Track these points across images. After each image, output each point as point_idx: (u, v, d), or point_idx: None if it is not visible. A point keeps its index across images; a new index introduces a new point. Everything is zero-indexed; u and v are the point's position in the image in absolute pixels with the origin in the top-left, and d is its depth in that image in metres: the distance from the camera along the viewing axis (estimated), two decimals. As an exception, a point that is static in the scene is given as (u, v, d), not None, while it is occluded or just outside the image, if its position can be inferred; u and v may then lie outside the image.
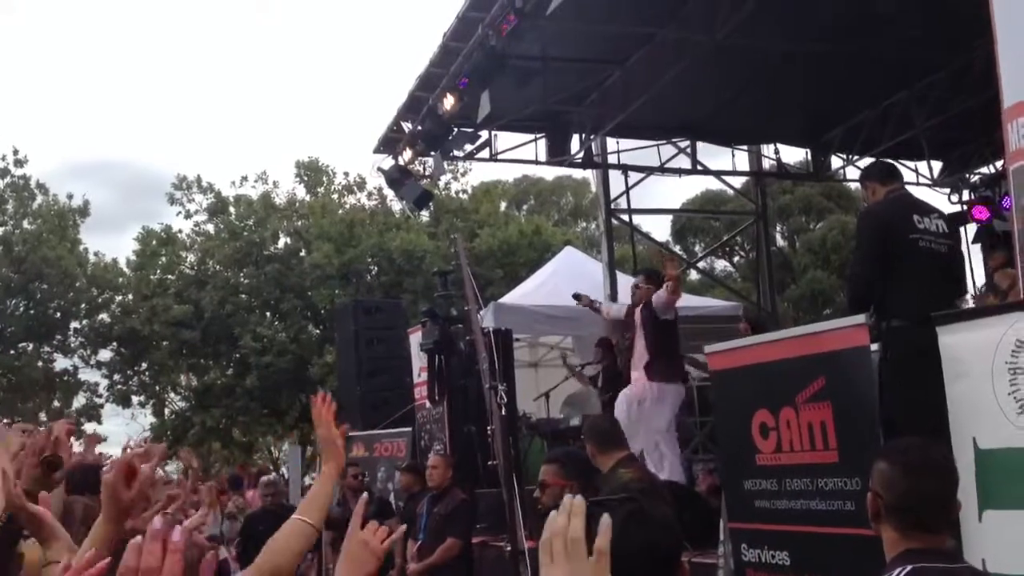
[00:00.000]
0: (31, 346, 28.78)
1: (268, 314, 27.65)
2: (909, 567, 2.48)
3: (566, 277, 14.38)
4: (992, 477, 3.17)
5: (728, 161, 14.02)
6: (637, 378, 7.85)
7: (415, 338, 10.64)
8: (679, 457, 7.82)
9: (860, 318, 3.74)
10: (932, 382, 4.11)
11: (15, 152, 28.87)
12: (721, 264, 33.28)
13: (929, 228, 5.11)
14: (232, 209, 28.67)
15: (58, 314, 28.56)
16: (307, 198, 29.52)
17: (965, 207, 13.33)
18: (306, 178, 29.79)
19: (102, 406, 29.02)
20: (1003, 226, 11.08)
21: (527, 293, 14.31)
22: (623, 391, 8.02)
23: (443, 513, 7.92)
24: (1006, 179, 5.09)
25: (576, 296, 9.64)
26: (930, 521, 2.60)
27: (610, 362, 10.10)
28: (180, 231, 28.96)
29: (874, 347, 3.84)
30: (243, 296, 27.49)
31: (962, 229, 13.20)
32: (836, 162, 14.05)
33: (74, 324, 29.06)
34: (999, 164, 12.65)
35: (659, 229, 33.13)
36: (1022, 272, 4.16)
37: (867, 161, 13.88)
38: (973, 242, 12.50)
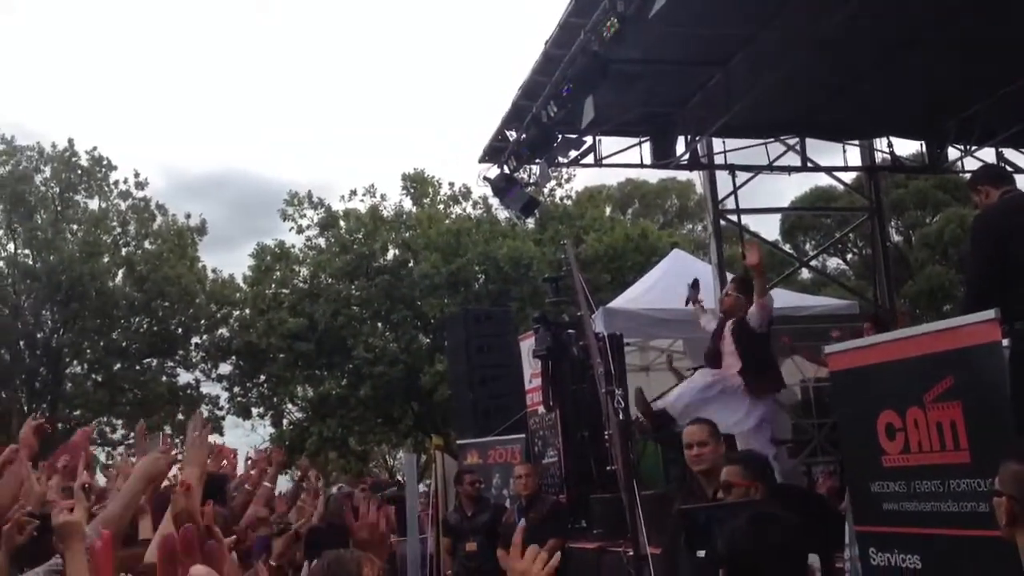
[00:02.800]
0: (155, 362, 29.98)
1: (379, 325, 28.15)
2: None
3: (674, 280, 14.27)
4: None
5: (839, 157, 13.72)
6: (734, 384, 7.62)
7: (525, 344, 10.69)
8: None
9: (990, 313, 3.61)
10: None
11: (136, 175, 30.18)
12: (833, 262, 32.55)
13: None
14: (342, 223, 29.31)
15: (179, 330, 29.70)
16: (414, 209, 29.96)
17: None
18: (412, 190, 30.25)
19: (223, 418, 29.99)
20: None
21: (636, 297, 14.26)
22: (713, 371, 7.79)
23: (539, 517, 8.04)
24: None
25: (694, 285, 9.41)
26: None
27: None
28: (293, 246, 29.78)
29: (1004, 343, 3.71)
30: (355, 308, 28.03)
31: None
32: (952, 153, 13.60)
33: (195, 339, 30.21)
34: None
35: (768, 228, 32.60)
36: None
37: (986, 151, 13.46)
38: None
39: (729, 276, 13.02)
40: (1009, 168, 13.86)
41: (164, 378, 30.02)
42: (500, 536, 8.56)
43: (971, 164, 13.86)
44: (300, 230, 29.74)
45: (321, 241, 29.61)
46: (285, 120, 68.89)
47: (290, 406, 30.43)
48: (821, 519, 5.23)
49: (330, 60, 70.58)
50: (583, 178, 43.54)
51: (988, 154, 13.56)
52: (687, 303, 9.35)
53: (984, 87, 11.80)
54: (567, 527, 8.58)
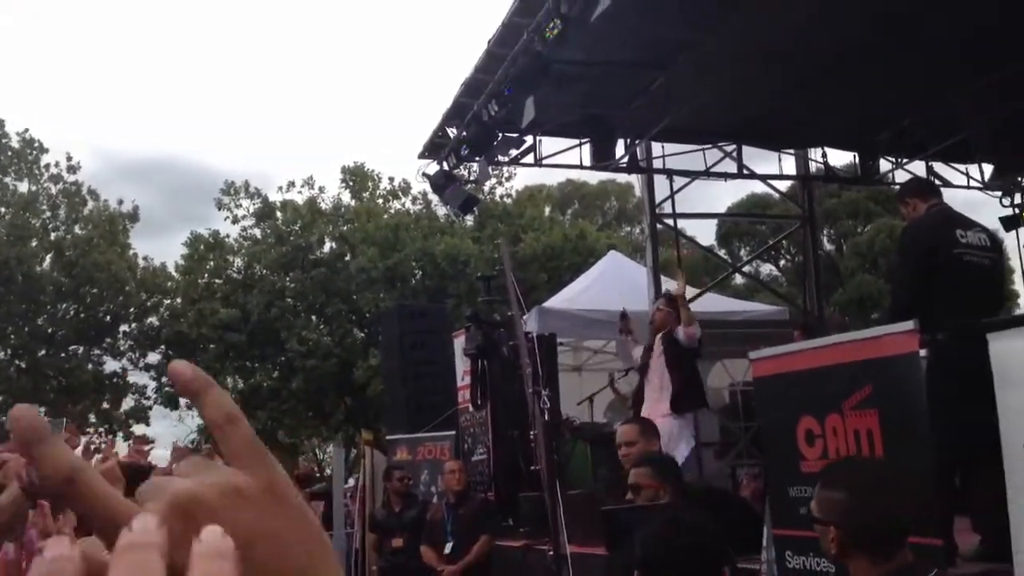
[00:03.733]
0: (81, 349, 29.35)
1: (313, 318, 27.94)
2: None
3: (610, 281, 14.40)
4: (1044, 485, 3.12)
5: (774, 165, 13.94)
6: (660, 412, 7.71)
7: (458, 342, 10.67)
8: None
9: (909, 324, 3.69)
10: (979, 395, 4.10)
11: (69, 158, 29.53)
12: (767, 268, 33.05)
13: (972, 242, 5.17)
14: (279, 214, 29.02)
15: (108, 317, 29.12)
16: (352, 203, 29.77)
17: (1018, 211, 13.13)
18: (352, 183, 30.05)
19: (150, 408, 29.51)
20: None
21: (571, 297, 14.33)
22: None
23: (469, 514, 8.10)
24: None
25: (624, 315, 9.53)
26: (896, 540, 2.57)
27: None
28: (227, 236, 29.39)
29: (923, 353, 3.79)
30: (289, 300, 27.79)
31: (1014, 233, 13.08)
32: (884, 166, 13.89)
33: (123, 327, 29.63)
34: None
35: (704, 234, 32.99)
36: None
37: (916, 164, 13.76)
38: (1027, 246, 12.37)
39: (664, 279, 13.17)
40: (938, 182, 14.22)
41: (90, 366, 29.41)
42: (426, 533, 8.57)
43: (902, 176, 14.15)
44: (236, 220, 29.42)
45: (257, 232, 29.30)
46: (224, 108, 67.94)
47: (220, 398, 29.94)
48: (741, 522, 5.31)
49: (273, 48, 69.83)
50: (523, 177, 43.61)
51: (919, 167, 13.88)
52: (620, 333, 9.44)
53: (916, 103, 12.07)
54: (496, 524, 8.64)
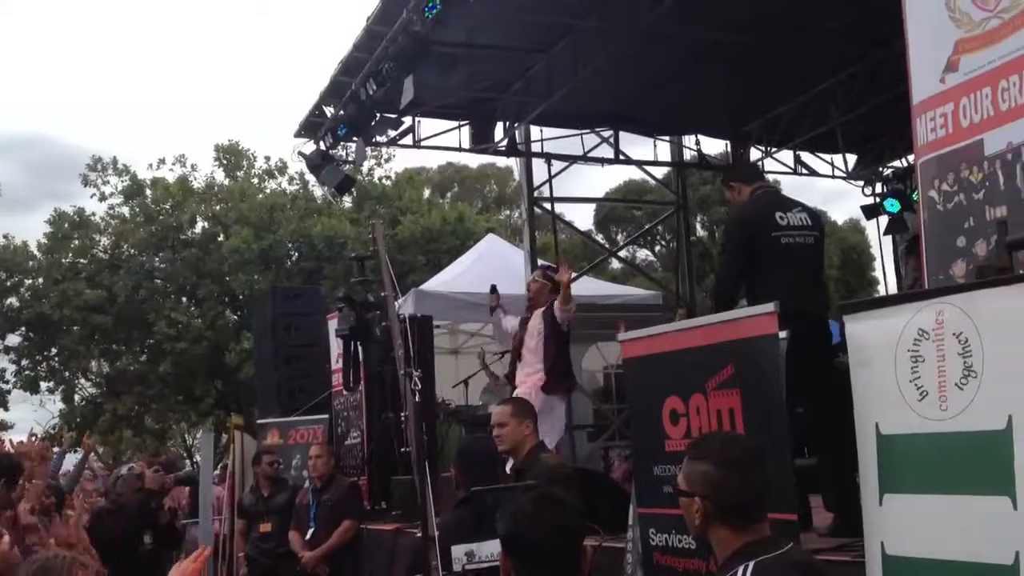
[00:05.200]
0: (-66, 330, 27.89)
1: (184, 299, 27.20)
2: (752, 563, 2.54)
3: (488, 264, 14.41)
4: (893, 462, 3.24)
5: (650, 151, 14.18)
6: (527, 385, 7.77)
7: (334, 324, 10.53)
8: None
9: (770, 306, 3.79)
10: (803, 373, 4.27)
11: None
12: (643, 253, 33.67)
13: (792, 223, 5.38)
14: (148, 192, 28.08)
15: (-36, 297, 27.72)
16: (226, 182, 29.04)
17: (878, 199, 13.66)
18: (225, 162, 29.30)
19: (9, 392, 28.26)
20: (914, 219, 11.41)
21: (449, 280, 14.31)
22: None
23: (333, 499, 8.03)
24: (915, 173, 5.25)
25: (493, 289, 9.56)
26: (757, 513, 2.67)
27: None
28: (94, 214, 28.31)
29: (782, 335, 3.90)
30: (158, 281, 26.99)
31: (875, 221, 13.61)
32: (755, 154, 14.28)
33: (-20, 308, 28.21)
34: (911, 158, 12.99)
35: (582, 218, 33.39)
36: (926, 262, 4.28)
37: (785, 153, 14.20)
38: (885, 233, 12.89)
39: (541, 262, 13.26)
40: (805, 171, 14.71)
41: (-56, 348, 28.01)
42: (293, 518, 8.45)
43: (771, 165, 14.60)
44: (103, 197, 28.33)
45: (125, 210, 28.28)
46: (91, 82, 65.37)
47: (83, 381, 28.99)
48: (610, 502, 5.39)
49: (145, 22, 67.43)
50: (403, 159, 43.41)
51: (787, 156, 14.32)
52: (489, 307, 9.43)
53: (784, 93, 12.45)
54: (361, 509, 8.56)
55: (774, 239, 5.29)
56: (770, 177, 20.37)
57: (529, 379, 7.79)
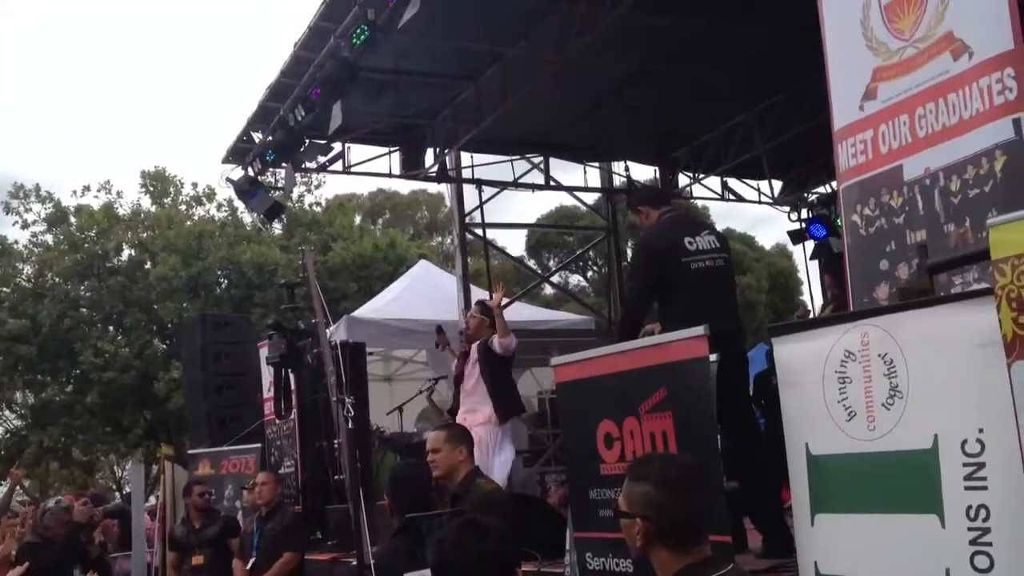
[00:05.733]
0: None
1: (111, 328, 26.60)
2: None
3: (420, 291, 14.39)
4: (823, 482, 3.29)
5: (580, 178, 14.31)
6: (477, 420, 7.77)
7: (265, 353, 10.42)
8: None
9: (700, 330, 3.84)
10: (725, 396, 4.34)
11: None
12: (575, 279, 33.84)
13: (701, 247, 5.39)
14: (73, 219, 27.48)
15: None
16: (153, 209, 28.56)
17: (804, 225, 13.93)
18: (152, 188, 28.81)
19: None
20: (839, 244, 11.67)
21: (381, 307, 14.24)
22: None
23: (277, 529, 7.84)
24: (838, 198, 5.37)
25: (439, 329, 9.54)
26: (697, 535, 2.67)
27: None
28: (16, 242, 27.59)
29: (712, 357, 3.95)
30: (84, 310, 26.35)
31: (801, 246, 13.88)
32: (683, 180, 14.49)
33: None
34: (835, 184, 13.28)
35: (514, 244, 33.53)
36: (851, 285, 4.38)
37: (712, 179, 14.44)
38: (811, 258, 13.14)
39: (474, 288, 13.28)
40: (732, 196, 14.97)
41: None
42: (238, 547, 8.26)
43: (699, 191, 14.84)
44: (25, 225, 27.60)
45: (49, 238, 27.61)
46: (13, 108, 63.88)
47: (7, 413, 28.18)
48: (546, 526, 5.40)
49: (66, 44, 66.26)
50: (334, 186, 43.11)
51: (714, 182, 14.56)
52: (437, 346, 9.40)
53: (710, 120, 12.69)
54: (306, 539, 8.34)
55: (684, 264, 5.30)
56: (698, 203, 20.76)
57: (471, 415, 7.76)
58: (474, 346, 7.98)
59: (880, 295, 4.10)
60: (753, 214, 63.61)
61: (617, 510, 2.76)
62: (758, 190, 14.87)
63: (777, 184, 14.75)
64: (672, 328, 4.35)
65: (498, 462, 7.53)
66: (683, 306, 5.13)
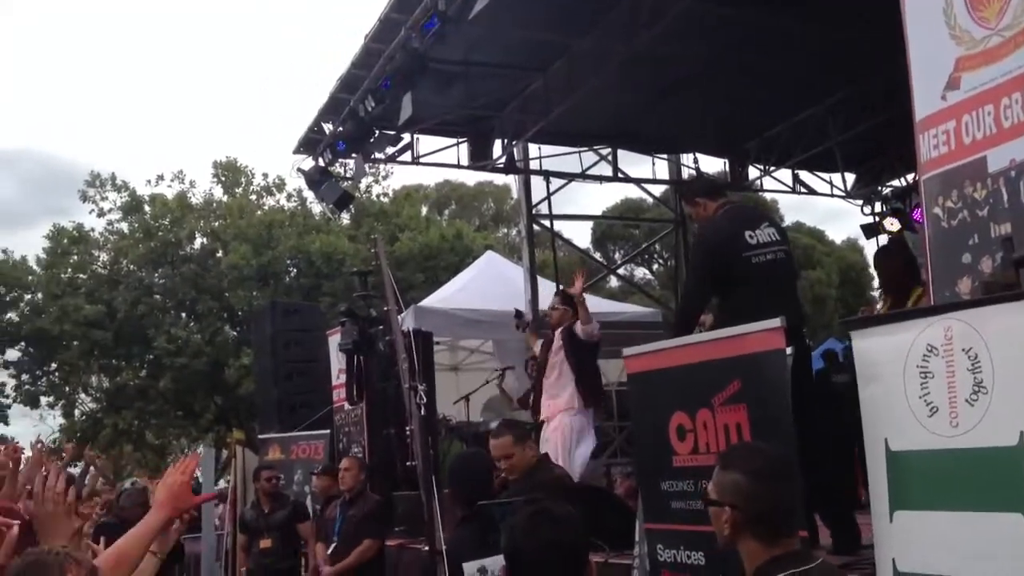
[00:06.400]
0: (-66, 345, 27.81)
1: (183, 315, 27.16)
2: None
3: (487, 281, 14.43)
4: (903, 478, 3.24)
5: (648, 169, 14.21)
6: (559, 407, 7.78)
7: (334, 340, 10.54)
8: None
9: (776, 322, 3.80)
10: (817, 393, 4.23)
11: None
12: (641, 271, 33.69)
13: (762, 240, 5.24)
14: (147, 208, 28.08)
15: (-38, 312, 27.66)
16: (224, 198, 29.05)
17: (877, 219, 13.69)
18: (224, 178, 29.32)
19: (9, 407, 28.17)
20: (913, 238, 11.44)
21: (448, 297, 14.31)
22: (552, 429, 7.84)
23: (359, 515, 7.92)
24: (917, 190, 5.24)
25: (518, 313, 9.55)
26: (786, 526, 2.65)
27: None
28: (93, 229, 28.28)
29: (788, 350, 3.90)
30: (157, 297, 26.94)
31: (875, 240, 13.64)
32: (753, 172, 14.33)
33: (-20, 323, 28.15)
34: (909, 177, 13.03)
35: (580, 236, 33.52)
36: (932, 278, 4.29)
37: (783, 172, 14.24)
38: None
39: (540, 280, 13.29)
40: (804, 190, 14.76)
41: (-56, 363, 27.90)
42: (319, 530, 8.39)
43: (770, 183, 14.65)
44: (101, 213, 28.29)
45: (124, 226, 28.26)
46: (91, 99, 65.51)
47: (83, 396, 28.91)
48: (614, 517, 5.40)
49: (143, 39, 67.67)
50: (401, 176, 43.41)
51: (785, 175, 14.37)
52: (517, 328, 9.45)
53: (781, 114, 12.50)
54: (384, 528, 8.30)
55: (745, 259, 5.18)
56: (768, 196, 20.51)
57: (554, 402, 7.79)
58: (557, 332, 8.01)
59: (962, 289, 4.02)
60: (824, 208, 62.80)
61: (706, 498, 2.76)
62: (830, 183, 14.65)
63: (850, 177, 14.51)
64: (734, 323, 4.28)
65: (578, 453, 7.56)
66: (745, 300, 5.02)
